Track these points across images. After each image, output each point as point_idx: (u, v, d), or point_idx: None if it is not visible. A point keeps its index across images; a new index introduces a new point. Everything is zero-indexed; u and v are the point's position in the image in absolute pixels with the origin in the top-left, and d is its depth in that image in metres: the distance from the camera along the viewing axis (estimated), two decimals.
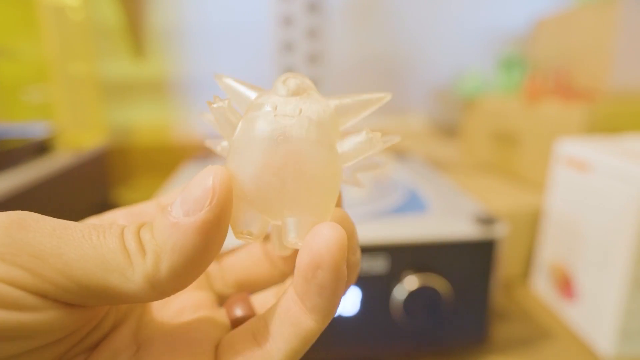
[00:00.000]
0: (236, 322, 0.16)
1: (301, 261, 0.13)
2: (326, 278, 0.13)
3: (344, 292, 0.14)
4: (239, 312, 0.17)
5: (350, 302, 0.36)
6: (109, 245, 0.12)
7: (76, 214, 0.63)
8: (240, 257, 0.19)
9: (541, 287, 0.50)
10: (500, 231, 0.36)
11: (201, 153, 0.84)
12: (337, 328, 0.37)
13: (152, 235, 0.12)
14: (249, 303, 0.17)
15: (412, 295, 0.35)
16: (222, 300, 0.18)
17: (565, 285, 0.45)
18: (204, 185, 0.13)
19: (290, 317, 0.14)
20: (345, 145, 0.14)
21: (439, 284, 0.35)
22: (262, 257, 0.18)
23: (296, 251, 0.14)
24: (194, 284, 0.16)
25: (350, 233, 0.15)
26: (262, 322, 0.15)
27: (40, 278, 0.11)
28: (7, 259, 0.11)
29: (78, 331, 0.13)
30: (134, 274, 0.12)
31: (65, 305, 0.12)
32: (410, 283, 0.35)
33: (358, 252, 0.16)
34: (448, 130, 0.96)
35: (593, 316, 0.41)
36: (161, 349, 0.14)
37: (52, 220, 0.12)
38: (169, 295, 0.13)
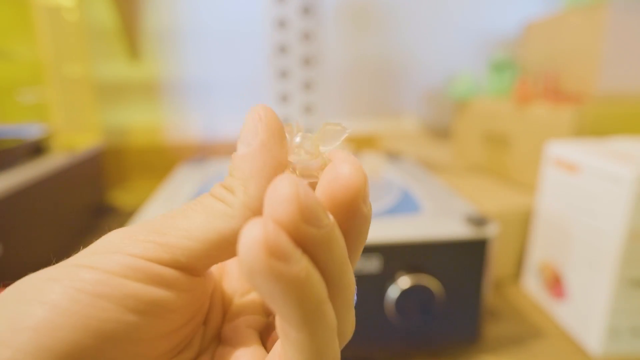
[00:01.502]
0: None
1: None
2: (265, 284, 0.11)
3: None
4: None
5: None
6: (204, 203, 0.14)
7: (71, 216, 0.63)
8: None
9: (532, 286, 0.50)
10: (491, 231, 0.36)
11: (196, 155, 0.85)
12: None
13: (233, 176, 0.14)
14: None
15: (405, 294, 0.35)
16: None
17: (555, 285, 0.46)
18: (252, 118, 0.14)
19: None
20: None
21: (431, 283, 0.35)
22: None
23: None
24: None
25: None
26: None
27: (170, 248, 0.13)
28: (141, 239, 0.13)
29: (191, 322, 0.15)
30: (233, 210, 0.14)
31: (191, 276, 0.14)
32: (403, 283, 0.35)
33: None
34: (440, 132, 0.97)
35: (582, 315, 0.42)
36: None
37: (156, 216, 0.15)
38: None
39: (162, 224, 0.14)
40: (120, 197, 0.85)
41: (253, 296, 0.18)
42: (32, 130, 0.61)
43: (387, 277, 0.36)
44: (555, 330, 0.44)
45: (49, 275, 0.13)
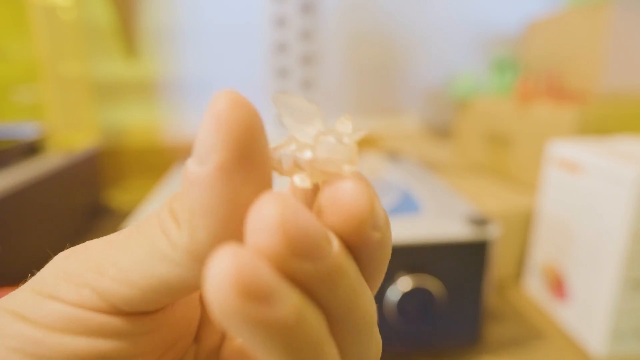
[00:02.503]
0: None
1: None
2: (240, 332, 0.09)
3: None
4: None
5: None
6: (148, 234, 0.11)
7: (68, 216, 0.63)
8: None
9: (533, 287, 0.50)
10: (492, 232, 0.36)
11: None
12: None
13: (182, 201, 0.10)
14: None
15: (406, 296, 0.35)
16: None
17: (557, 286, 0.45)
18: (210, 119, 0.10)
19: None
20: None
21: (432, 285, 0.35)
22: None
23: None
24: None
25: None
26: None
27: (106, 296, 0.11)
28: (76, 281, 0.11)
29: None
30: (176, 254, 0.10)
31: (147, 317, 0.11)
32: (403, 284, 0.35)
33: None
34: (441, 131, 0.97)
35: (585, 316, 0.41)
36: None
37: (98, 239, 0.12)
38: None
39: (101, 256, 0.11)
40: (117, 197, 0.85)
41: None
42: (27, 130, 0.61)
43: (387, 278, 0.36)
44: (557, 332, 0.44)
45: None
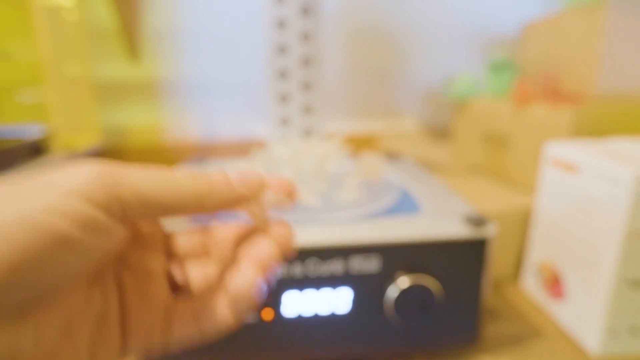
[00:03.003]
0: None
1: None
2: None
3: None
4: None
5: (344, 301, 0.36)
6: None
7: None
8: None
9: (531, 286, 0.51)
10: (490, 231, 0.36)
11: (195, 155, 0.85)
12: (330, 327, 0.37)
13: None
14: None
15: (405, 294, 0.35)
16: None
17: (554, 285, 0.46)
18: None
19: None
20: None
21: (430, 283, 0.36)
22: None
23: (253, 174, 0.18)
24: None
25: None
26: None
27: (124, 203, 0.15)
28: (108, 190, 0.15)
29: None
30: None
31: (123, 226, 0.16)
32: (402, 283, 0.35)
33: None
34: (439, 132, 0.97)
35: (581, 315, 0.42)
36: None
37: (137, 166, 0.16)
38: None
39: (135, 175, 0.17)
40: None
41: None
42: (31, 131, 0.61)
43: (386, 277, 0.36)
44: (554, 330, 0.44)
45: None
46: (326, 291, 0.36)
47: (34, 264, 0.13)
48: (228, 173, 0.18)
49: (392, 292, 0.36)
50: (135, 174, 0.16)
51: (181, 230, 0.21)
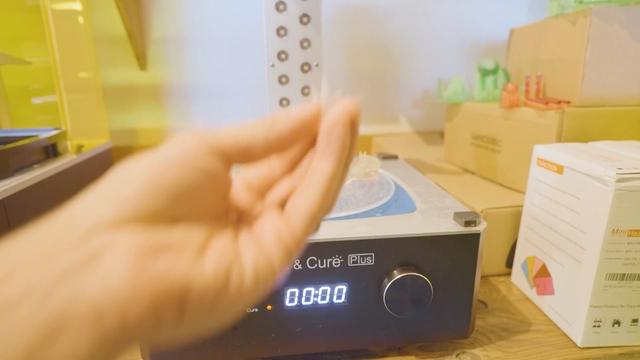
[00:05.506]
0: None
1: (325, 122, 0.19)
2: (340, 131, 0.19)
3: (350, 145, 0.20)
4: None
5: (340, 296, 0.38)
6: None
7: None
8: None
9: (520, 281, 0.52)
10: (481, 229, 0.38)
11: None
12: (327, 320, 0.38)
13: None
14: None
15: (398, 290, 0.37)
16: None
17: (542, 279, 0.48)
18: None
19: (314, 169, 0.19)
20: None
21: (424, 279, 0.37)
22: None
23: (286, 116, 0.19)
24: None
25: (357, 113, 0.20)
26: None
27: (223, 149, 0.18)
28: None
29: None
30: None
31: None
32: (396, 278, 0.37)
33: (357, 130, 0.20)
34: (433, 134, 0.99)
35: (567, 308, 0.43)
36: None
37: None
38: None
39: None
40: None
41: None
42: (45, 133, 0.63)
43: (381, 272, 0.37)
44: (543, 324, 0.46)
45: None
46: (324, 286, 0.37)
47: (187, 191, 0.17)
48: (288, 109, 0.21)
49: (387, 287, 0.37)
50: (215, 134, 0.19)
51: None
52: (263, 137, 0.19)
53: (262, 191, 0.22)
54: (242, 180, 0.22)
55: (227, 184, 0.20)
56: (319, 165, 0.19)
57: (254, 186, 0.22)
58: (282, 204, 0.21)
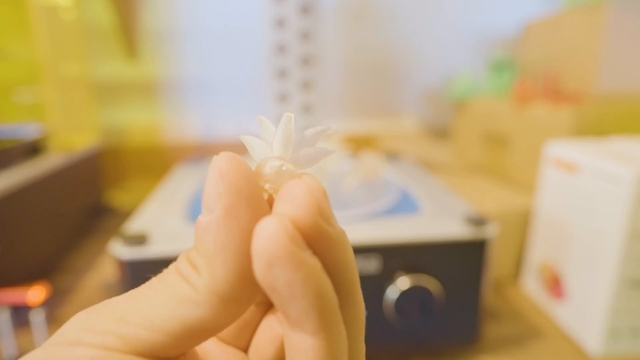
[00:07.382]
0: None
1: (255, 270, 0.11)
2: (285, 273, 0.11)
3: (319, 280, 0.12)
4: None
5: None
6: (169, 282, 0.12)
7: (69, 216, 0.63)
8: None
9: (531, 286, 0.51)
10: (491, 232, 0.36)
11: (194, 154, 0.84)
12: None
13: (197, 249, 0.12)
14: None
15: (405, 295, 0.35)
16: None
17: (555, 285, 0.46)
18: (212, 175, 0.12)
19: (292, 347, 0.12)
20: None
21: (431, 284, 0.35)
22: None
23: None
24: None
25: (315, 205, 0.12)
26: None
27: (129, 341, 0.12)
28: (100, 329, 0.12)
29: None
30: (198, 295, 0.12)
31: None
32: (402, 283, 0.35)
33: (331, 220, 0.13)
34: (439, 132, 0.97)
35: (582, 315, 0.42)
36: None
37: (118, 296, 0.13)
38: (242, 301, 0.12)
39: (123, 308, 0.12)
40: (117, 197, 0.85)
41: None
42: (29, 130, 0.61)
43: (386, 277, 0.36)
44: (554, 331, 0.44)
45: None
46: None
47: (187, 338, 0.12)
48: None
49: (392, 292, 0.36)
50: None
51: None
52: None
53: (240, 344, 0.17)
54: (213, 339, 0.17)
55: None
56: (294, 342, 0.12)
57: (227, 340, 0.17)
58: None
